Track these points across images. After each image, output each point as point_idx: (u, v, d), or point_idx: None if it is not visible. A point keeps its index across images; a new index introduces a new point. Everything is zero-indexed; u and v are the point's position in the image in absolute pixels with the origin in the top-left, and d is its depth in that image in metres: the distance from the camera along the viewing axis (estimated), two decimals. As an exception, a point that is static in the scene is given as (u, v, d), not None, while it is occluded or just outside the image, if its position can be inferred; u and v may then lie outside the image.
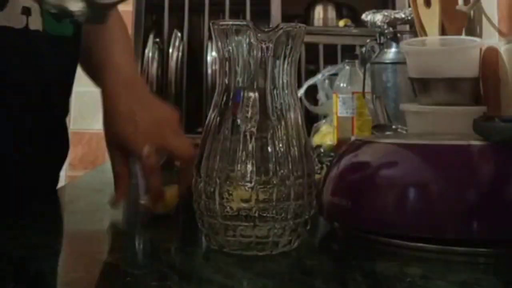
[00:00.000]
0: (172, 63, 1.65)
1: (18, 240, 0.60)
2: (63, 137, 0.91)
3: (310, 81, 1.41)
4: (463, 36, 0.94)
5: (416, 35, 0.98)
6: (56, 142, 0.88)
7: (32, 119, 0.80)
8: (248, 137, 0.57)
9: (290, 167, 0.57)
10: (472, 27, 0.97)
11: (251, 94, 0.58)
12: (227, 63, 0.59)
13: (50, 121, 0.85)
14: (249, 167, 0.56)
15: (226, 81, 0.59)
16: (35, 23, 0.77)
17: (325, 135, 1.32)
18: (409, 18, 1.07)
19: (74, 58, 0.87)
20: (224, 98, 0.59)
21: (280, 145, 0.57)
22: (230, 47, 0.58)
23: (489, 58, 0.88)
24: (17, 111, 0.78)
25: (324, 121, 1.39)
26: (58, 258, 0.54)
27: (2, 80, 0.75)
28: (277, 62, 0.58)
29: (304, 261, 0.56)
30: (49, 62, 0.81)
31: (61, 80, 0.86)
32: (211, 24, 0.59)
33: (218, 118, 0.58)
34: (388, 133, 0.98)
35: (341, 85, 1.26)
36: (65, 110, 0.91)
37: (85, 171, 1.09)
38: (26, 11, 0.75)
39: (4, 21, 0.73)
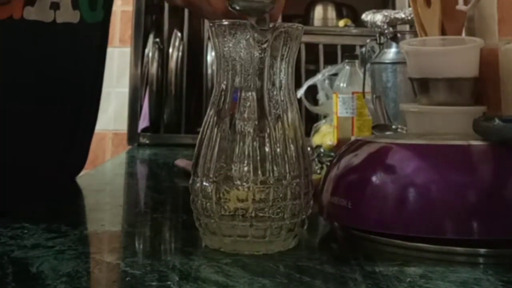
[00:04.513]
0: (172, 63, 1.65)
1: (18, 240, 0.60)
2: (90, 135, 0.94)
3: (310, 81, 1.41)
4: (463, 36, 0.94)
5: (416, 35, 0.98)
6: (83, 137, 0.91)
7: (62, 111, 0.83)
8: (245, 137, 0.57)
9: (287, 167, 0.57)
10: (472, 27, 0.97)
11: (249, 94, 0.58)
12: (224, 62, 0.59)
13: (79, 115, 0.88)
14: (246, 167, 0.56)
15: (224, 80, 0.59)
16: (63, 16, 0.81)
17: (325, 135, 1.32)
18: (409, 18, 1.07)
19: (104, 42, 0.93)
20: (222, 98, 0.59)
21: (277, 145, 0.57)
22: (227, 47, 0.58)
23: (489, 58, 0.87)
24: (47, 103, 0.81)
25: (324, 121, 1.39)
26: (58, 258, 0.54)
27: (33, 73, 0.79)
28: (275, 62, 0.58)
29: (303, 261, 0.56)
30: (80, 51, 0.85)
31: (91, 67, 0.90)
32: (209, 24, 0.59)
33: (216, 118, 0.58)
34: (388, 133, 0.98)
35: (341, 85, 1.26)
36: (96, 104, 0.94)
37: (85, 171, 1.08)
38: (54, 6, 0.80)
39: (35, 15, 0.77)
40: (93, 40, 0.88)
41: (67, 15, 0.81)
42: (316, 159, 1.00)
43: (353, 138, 1.13)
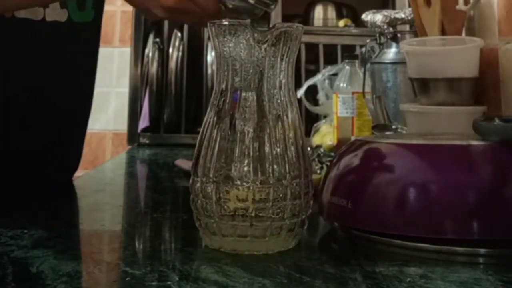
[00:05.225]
0: (172, 63, 1.65)
1: (18, 240, 0.60)
2: (83, 137, 0.94)
3: (310, 81, 1.41)
4: (463, 36, 0.94)
5: (416, 35, 0.98)
6: (76, 140, 0.91)
7: (55, 111, 0.83)
8: (245, 137, 0.57)
9: (287, 167, 0.57)
10: (472, 27, 0.97)
11: (249, 94, 0.58)
12: (224, 62, 0.59)
13: (73, 116, 0.88)
14: (246, 167, 0.56)
15: (224, 81, 0.59)
16: (51, 15, 0.80)
17: (325, 135, 1.32)
18: (409, 18, 1.07)
19: (96, 41, 0.93)
20: (222, 98, 0.59)
21: (277, 145, 0.57)
22: (227, 47, 0.58)
23: (489, 58, 0.87)
24: (41, 101, 0.80)
25: (324, 121, 1.39)
26: (58, 258, 0.54)
27: (26, 72, 0.79)
28: (275, 62, 0.58)
29: (303, 261, 0.56)
30: (70, 50, 0.85)
31: (84, 66, 0.90)
32: (208, 24, 0.59)
33: (215, 118, 0.58)
34: (388, 133, 0.98)
35: (341, 85, 1.26)
36: (88, 105, 0.93)
37: (85, 171, 1.09)
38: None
39: (25, 13, 0.77)
40: (82, 39, 0.88)
41: (55, 13, 0.81)
42: (316, 159, 1.00)
43: (353, 138, 1.13)
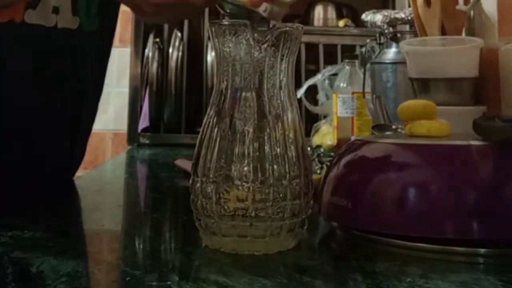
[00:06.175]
0: (172, 63, 1.65)
1: (18, 240, 0.60)
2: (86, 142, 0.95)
3: (310, 81, 1.41)
4: (463, 36, 0.94)
5: (416, 35, 0.98)
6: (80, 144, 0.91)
7: (62, 115, 0.83)
8: (245, 137, 0.57)
9: (287, 167, 0.57)
10: (472, 27, 0.97)
11: (249, 94, 0.58)
12: (224, 63, 0.59)
13: (78, 120, 0.88)
14: (246, 167, 0.56)
15: (224, 81, 0.59)
16: (62, 21, 0.80)
17: (325, 135, 1.32)
18: (409, 18, 1.07)
19: (104, 50, 0.93)
20: (222, 98, 0.59)
21: (277, 145, 0.57)
22: (227, 47, 0.58)
23: (489, 58, 0.88)
24: (47, 105, 0.81)
25: (324, 121, 1.39)
26: (58, 258, 0.54)
27: (35, 76, 0.79)
28: (275, 62, 0.58)
29: (303, 261, 0.56)
30: (79, 57, 0.85)
31: (92, 73, 0.90)
32: (209, 24, 0.59)
33: (215, 118, 0.58)
34: (388, 133, 0.97)
35: (341, 85, 1.26)
36: (94, 109, 0.93)
37: (85, 171, 1.09)
38: (56, 10, 0.79)
39: (36, 19, 0.77)
40: (90, 48, 0.87)
41: (66, 20, 0.81)
42: (316, 159, 1.00)
43: (353, 138, 1.13)
